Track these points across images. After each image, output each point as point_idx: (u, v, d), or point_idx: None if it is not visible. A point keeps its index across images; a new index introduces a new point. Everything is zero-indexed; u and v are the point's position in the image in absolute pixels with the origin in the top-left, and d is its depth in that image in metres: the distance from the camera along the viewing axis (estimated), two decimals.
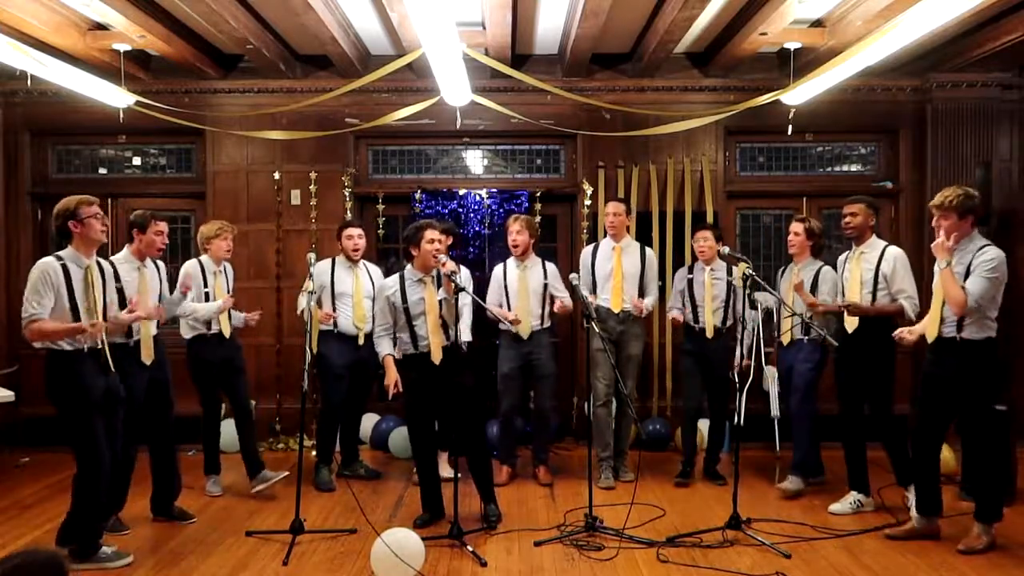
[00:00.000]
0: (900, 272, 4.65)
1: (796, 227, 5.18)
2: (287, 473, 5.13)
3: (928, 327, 4.19)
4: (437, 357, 4.47)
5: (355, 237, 5.42)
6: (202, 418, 5.20)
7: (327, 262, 5.46)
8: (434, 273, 4.51)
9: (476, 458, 4.59)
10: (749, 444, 5.83)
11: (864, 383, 4.75)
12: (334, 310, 5.37)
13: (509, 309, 5.31)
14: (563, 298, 5.38)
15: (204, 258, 5.14)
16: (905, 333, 4.31)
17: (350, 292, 5.39)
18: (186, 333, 5.08)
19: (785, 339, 5.16)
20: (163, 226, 4.65)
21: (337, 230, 5.54)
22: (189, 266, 5.08)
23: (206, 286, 5.08)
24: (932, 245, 4.05)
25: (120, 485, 4.42)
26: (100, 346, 3.97)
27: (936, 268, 4.04)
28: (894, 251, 4.72)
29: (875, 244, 4.77)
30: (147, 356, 4.50)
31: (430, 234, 4.45)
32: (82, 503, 3.93)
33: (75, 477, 3.96)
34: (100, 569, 3.90)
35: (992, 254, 3.97)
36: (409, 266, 4.57)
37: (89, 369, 3.91)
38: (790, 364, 5.15)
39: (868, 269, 4.71)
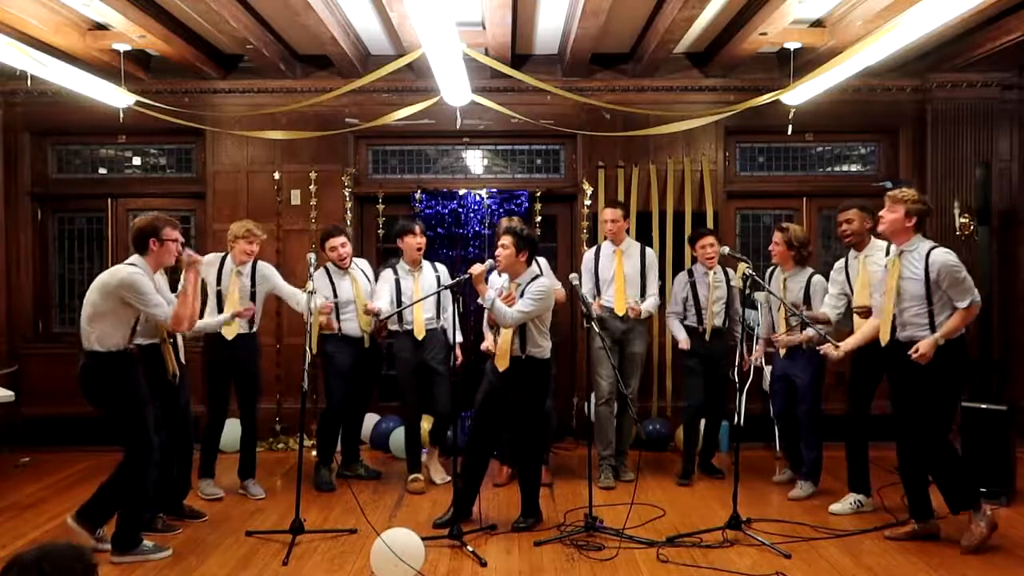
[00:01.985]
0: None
1: (776, 236, 5.14)
2: (263, 495, 5.12)
3: (881, 331, 4.20)
4: (501, 365, 4.43)
5: (339, 248, 5.28)
6: (207, 418, 5.13)
7: (322, 273, 5.34)
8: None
9: (524, 473, 4.59)
10: (749, 444, 5.83)
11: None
12: (339, 318, 5.32)
13: None
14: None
15: (229, 256, 5.09)
16: (830, 349, 4.32)
17: (352, 298, 5.35)
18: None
19: (782, 348, 5.13)
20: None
21: (320, 241, 5.41)
22: (210, 258, 5.07)
23: (219, 284, 5.03)
24: (922, 355, 4.00)
25: (172, 481, 4.52)
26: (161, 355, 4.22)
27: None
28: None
29: (878, 245, 4.72)
30: (183, 355, 4.57)
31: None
32: (132, 497, 3.99)
33: (123, 472, 4.01)
34: (142, 561, 3.97)
35: (948, 257, 4.02)
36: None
37: (133, 368, 4.03)
38: (785, 371, 5.11)
39: (875, 272, 4.60)
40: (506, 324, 4.36)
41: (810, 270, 5.14)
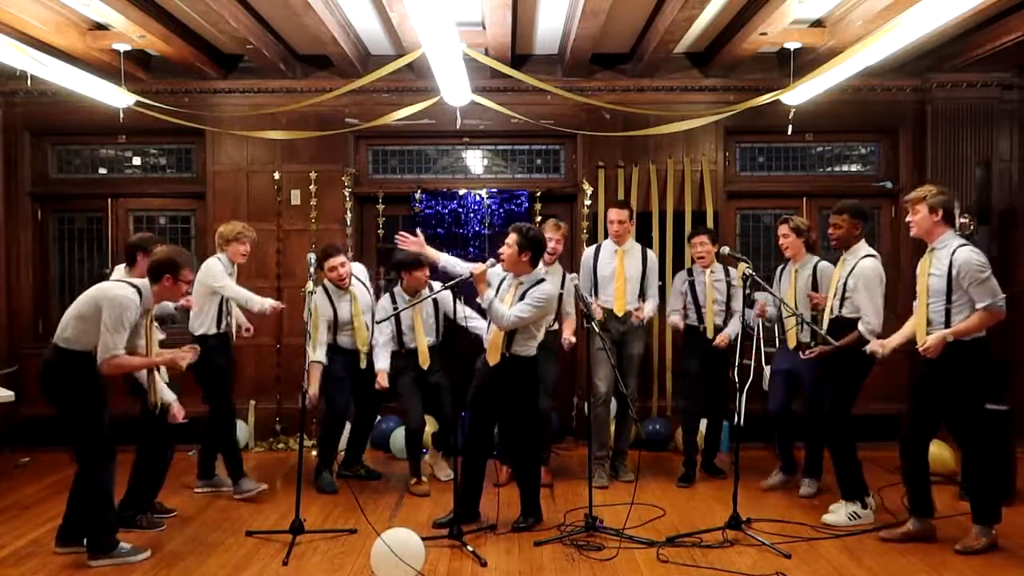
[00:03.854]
0: (860, 289, 4.52)
1: (783, 229, 5.14)
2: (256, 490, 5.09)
3: (917, 332, 4.18)
4: (492, 360, 4.42)
5: (338, 268, 5.16)
6: (219, 422, 5.08)
7: (322, 293, 5.22)
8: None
9: (522, 476, 4.57)
10: (749, 444, 5.83)
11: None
12: (336, 334, 5.27)
13: None
14: (569, 315, 5.29)
15: (223, 257, 5.06)
16: (877, 347, 4.29)
17: (351, 318, 5.28)
18: (196, 329, 4.99)
19: (791, 341, 5.12)
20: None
21: (318, 261, 5.02)
22: (213, 265, 4.99)
23: None
24: (928, 348, 4.02)
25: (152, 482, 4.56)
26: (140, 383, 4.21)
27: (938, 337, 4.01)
28: (865, 264, 4.56)
29: (857, 252, 4.65)
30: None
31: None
32: (94, 499, 3.96)
33: (84, 475, 3.98)
34: (122, 564, 3.94)
35: (972, 255, 3.99)
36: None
37: (94, 370, 3.96)
38: (791, 367, 5.10)
39: (842, 278, 4.64)
40: (502, 326, 4.31)
41: (816, 258, 5.13)
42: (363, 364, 5.32)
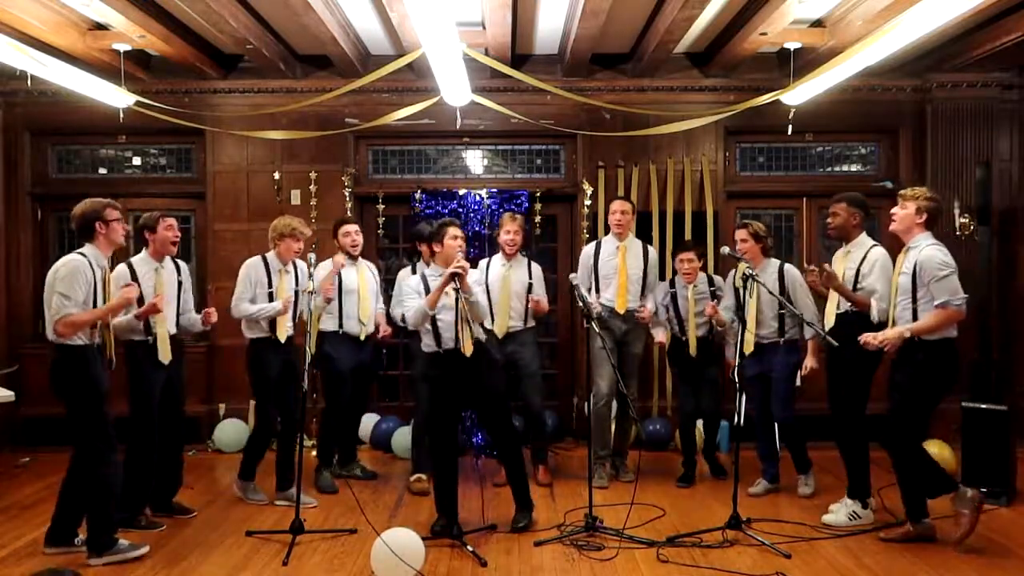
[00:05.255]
0: (876, 272, 4.47)
1: (740, 234, 5.11)
2: (316, 503, 4.97)
3: (888, 326, 4.23)
4: (469, 349, 4.37)
5: (352, 233, 5.36)
6: (254, 426, 5.08)
7: (329, 262, 5.32)
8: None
9: (510, 462, 4.57)
10: (749, 444, 5.82)
11: (838, 381, 4.57)
12: (341, 308, 5.27)
13: (490, 306, 5.24)
14: (541, 298, 5.39)
15: (270, 255, 5.00)
16: (869, 338, 4.22)
17: (356, 288, 5.32)
18: (248, 333, 4.95)
19: (748, 348, 5.05)
20: (172, 221, 4.63)
21: (333, 228, 5.47)
22: (252, 265, 4.96)
23: (270, 286, 4.92)
24: (885, 340, 4.08)
25: (147, 481, 4.52)
26: (103, 343, 4.05)
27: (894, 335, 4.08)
28: (877, 252, 4.55)
29: (862, 243, 4.62)
30: (164, 356, 4.49)
31: (453, 231, 4.55)
32: (97, 497, 3.95)
33: (80, 473, 3.97)
34: (122, 561, 3.94)
35: (935, 253, 4.05)
36: (431, 264, 4.69)
37: (98, 364, 3.97)
38: (761, 370, 5.09)
39: (850, 268, 4.58)
40: (480, 319, 4.49)
41: (777, 262, 5.13)
42: (362, 336, 5.34)
